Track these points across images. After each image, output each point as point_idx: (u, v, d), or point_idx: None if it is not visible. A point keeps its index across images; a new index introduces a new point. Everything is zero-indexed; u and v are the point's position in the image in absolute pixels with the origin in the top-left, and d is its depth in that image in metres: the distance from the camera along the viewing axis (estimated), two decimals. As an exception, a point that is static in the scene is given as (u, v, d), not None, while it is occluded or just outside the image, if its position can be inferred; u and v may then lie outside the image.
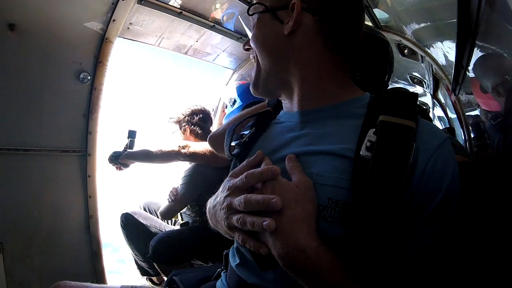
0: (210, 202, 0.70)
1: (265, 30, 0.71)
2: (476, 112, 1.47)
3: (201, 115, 2.28)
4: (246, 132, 0.83)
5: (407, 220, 0.54)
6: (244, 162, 0.66)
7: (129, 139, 2.06)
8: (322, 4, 0.67)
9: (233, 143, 0.83)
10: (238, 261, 0.72)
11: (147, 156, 1.99)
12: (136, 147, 2.08)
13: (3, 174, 1.65)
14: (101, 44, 1.81)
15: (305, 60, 0.68)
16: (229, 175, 0.67)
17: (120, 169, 2.05)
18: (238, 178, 0.62)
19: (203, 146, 1.93)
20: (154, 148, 1.96)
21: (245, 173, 0.61)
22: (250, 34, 0.77)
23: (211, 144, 1.35)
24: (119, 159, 1.99)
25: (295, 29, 0.67)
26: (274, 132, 0.77)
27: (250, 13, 0.74)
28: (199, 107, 2.32)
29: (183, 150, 1.88)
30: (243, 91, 1.80)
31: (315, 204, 0.56)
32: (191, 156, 1.90)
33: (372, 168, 0.54)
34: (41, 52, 1.65)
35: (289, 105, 0.75)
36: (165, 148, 1.92)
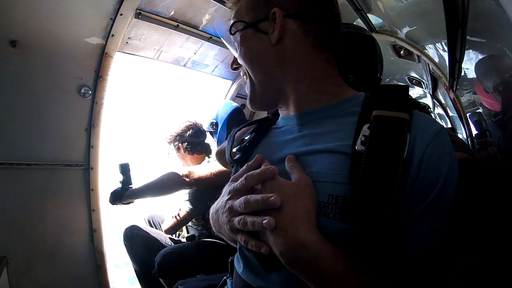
0: (213, 208, 0.71)
1: (252, 45, 0.72)
2: (478, 110, 1.48)
3: (191, 131, 2.27)
4: (246, 138, 0.84)
5: (408, 211, 0.55)
6: (244, 166, 0.67)
7: (124, 175, 1.97)
8: (301, 7, 0.69)
9: (234, 149, 0.84)
10: (242, 265, 0.72)
11: (151, 191, 1.97)
12: (134, 179, 2.01)
13: (6, 188, 1.66)
14: (101, 59, 1.84)
15: (298, 64, 0.70)
16: (230, 180, 0.68)
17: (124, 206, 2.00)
18: (238, 181, 0.63)
19: (207, 170, 1.91)
20: (156, 181, 1.93)
21: (244, 175, 0.63)
22: (235, 53, 0.79)
23: (218, 158, 1.36)
24: (123, 200, 1.93)
25: (281, 37, 0.69)
26: (273, 137, 0.78)
27: (232, 32, 0.75)
28: (189, 123, 2.32)
29: (187, 179, 1.86)
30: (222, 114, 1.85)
31: (314, 200, 0.57)
32: (196, 183, 1.88)
33: (367, 160, 0.55)
34: (42, 68, 1.67)
35: (286, 111, 0.77)
36: (168, 179, 1.89)
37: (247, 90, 0.79)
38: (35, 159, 1.73)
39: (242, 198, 0.59)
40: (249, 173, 0.62)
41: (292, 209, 0.54)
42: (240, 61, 0.76)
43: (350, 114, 0.65)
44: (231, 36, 0.76)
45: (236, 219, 0.59)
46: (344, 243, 0.54)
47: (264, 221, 0.53)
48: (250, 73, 0.74)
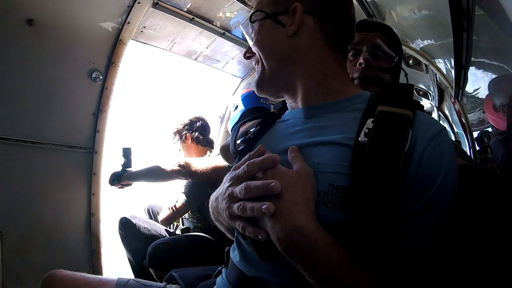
0: (213, 195, 0.71)
1: (269, 34, 0.75)
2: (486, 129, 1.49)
3: (200, 122, 2.33)
4: (251, 130, 0.86)
5: (406, 207, 0.55)
6: (246, 156, 0.68)
7: (125, 158, 2.05)
8: (321, 6, 0.73)
9: (238, 141, 0.86)
10: (238, 255, 0.73)
11: (148, 176, 2.02)
12: (134, 164, 2.09)
13: (9, 164, 1.68)
14: (115, 45, 1.87)
15: (310, 58, 0.73)
16: (232, 168, 0.69)
17: (122, 187, 2.06)
18: (239, 169, 0.63)
19: (204, 164, 1.93)
20: (154, 167, 1.97)
21: (246, 163, 0.63)
22: (250, 42, 0.81)
23: (222, 154, 1.37)
24: (121, 181, 2.01)
25: (298, 30, 0.72)
26: (278, 129, 0.80)
27: (252, 20, 0.78)
28: (198, 116, 2.38)
29: (183, 169, 1.89)
30: (246, 96, 1.84)
31: (314, 189, 0.58)
32: (191, 174, 1.91)
33: (369, 151, 0.57)
34: (56, 49, 1.70)
35: (293, 104, 0.79)
36: (166, 167, 1.92)
37: (256, 74, 0.81)
38: (40, 138, 1.75)
39: (243, 184, 0.59)
40: (251, 160, 0.63)
41: (292, 196, 0.55)
42: (254, 48, 0.78)
43: (355, 110, 0.67)
44: (250, 24, 0.79)
45: (236, 205, 0.59)
46: (341, 234, 0.55)
47: (263, 207, 0.53)
48: (263, 60, 0.77)
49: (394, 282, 0.55)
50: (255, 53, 0.80)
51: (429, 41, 1.79)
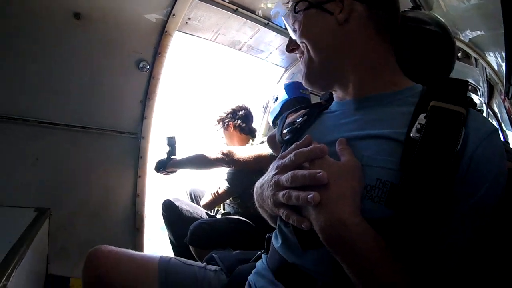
0: (258, 183, 0.72)
1: (316, 24, 0.72)
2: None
3: (243, 111, 2.37)
4: (298, 120, 0.85)
5: (452, 208, 0.55)
6: (293, 145, 0.67)
7: (170, 147, 2.16)
8: None
9: (285, 130, 0.85)
10: (280, 241, 0.74)
11: (192, 164, 2.11)
12: (179, 152, 2.18)
13: (61, 147, 1.81)
14: (161, 36, 1.92)
15: (362, 47, 0.70)
16: (278, 157, 0.69)
17: (168, 174, 2.17)
18: (286, 157, 0.63)
19: (247, 153, 1.97)
20: (198, 155, 2.05)
21: (294, 152, 0.62)
22: (293, 34, 0.79)
23: (269, 143, 1.40)
24: (166, 168, 2.12)
25: (348, 17, 0.69)
26: (325, 120, 0.79)
27: (296, 11, 0.74)
28: (241, 105, 2.42)
29: (226, 158, 1.95)
30: (286, 87, 1.85)
31: (361, 183, 0.57)
32: (234, 162, 1.96)
33: (420, 148, 0.55)
34: (104, 41, 1.79)
35: (342, 95, 0.77)
36: (209, 155, 1.99)
37: (303, 65, 0.78)
38: (91, 124, 1.87)
39: (289, 172, 0.59)
40: (299, 150, 0.62)
41: (339, 188, 0.55)
42: (300, 40, 0.76)
43: (407, 104, 0.65)
44: (293, 14, 0.76)
45: (281, 193, 0.59)
46: (384, 229, 0.54)
47: (309, 196, 0.53)
48: (311, 52, 0.74)
49: (431, 280, 0.56)
50: (298, 46, 0.79)
51: (479, 32, 1.68)
